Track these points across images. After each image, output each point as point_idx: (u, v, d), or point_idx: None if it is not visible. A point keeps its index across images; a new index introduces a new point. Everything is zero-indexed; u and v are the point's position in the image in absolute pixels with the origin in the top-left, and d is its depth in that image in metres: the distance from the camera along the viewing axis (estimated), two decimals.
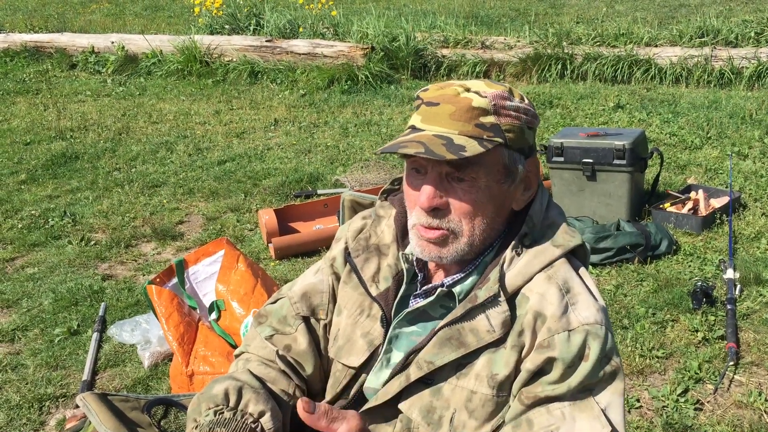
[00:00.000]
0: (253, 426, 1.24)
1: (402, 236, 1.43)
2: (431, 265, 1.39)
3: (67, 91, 8.08)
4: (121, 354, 3.10)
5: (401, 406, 1.28)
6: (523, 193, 1.33)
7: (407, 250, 1.40)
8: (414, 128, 1.27)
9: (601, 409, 1.19)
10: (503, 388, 1.23)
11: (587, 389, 1.20)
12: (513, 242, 1.29)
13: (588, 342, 1.20)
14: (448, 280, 1.33)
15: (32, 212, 4.73)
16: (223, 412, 1.24)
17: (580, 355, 1.20)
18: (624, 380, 1.24)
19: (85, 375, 2.94)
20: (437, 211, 1.26)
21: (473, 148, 1.20)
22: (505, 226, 1.34)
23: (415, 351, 1.29)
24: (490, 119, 1.24)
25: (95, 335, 3.20)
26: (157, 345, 3.02)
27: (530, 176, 1.33)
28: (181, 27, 10.35)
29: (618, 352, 1.25)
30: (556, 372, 1.20)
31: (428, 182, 1.25)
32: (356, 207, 1.68)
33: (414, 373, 1.26)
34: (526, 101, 1.30)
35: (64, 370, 3.03)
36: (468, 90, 1.26)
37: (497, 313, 1.23)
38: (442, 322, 1.27)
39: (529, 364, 1.21)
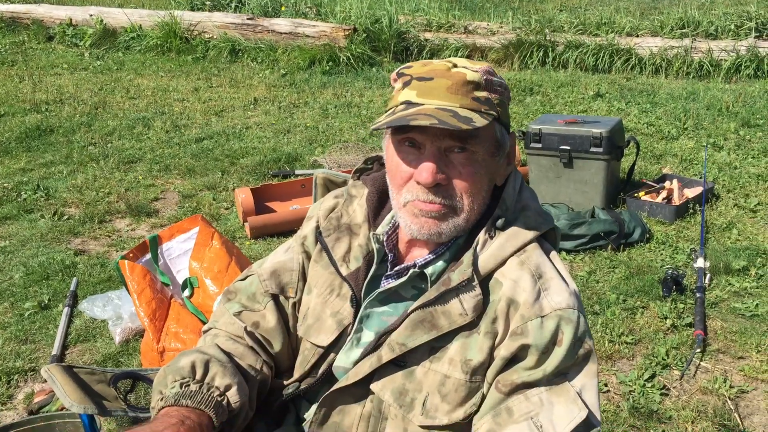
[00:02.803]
0: (219, 399, 1.24)
1: (374, 216, 1.42)
2: (402, 246, 1.39)
3: (43, 63, 7.95)
4: (92, 329, 3.08)
5: (373, 386, 1.28)
6: (506, 168, 1.34)
7: (378, 231, 1.40)
8: (410, 103, 1.24)
9: (577, 392, 1.20)
10: (476, 374, 1.24)
11: (562, 373, 1.21)
12: (486, 225, 1.29)
13: (561, 327, 1.21)
14: (421, 261, 1.33)
15: (4, 185, 4.66)
16: (189, 385, 1.24)
17: (553, 341, 1.20)
18: (597, 362, 1.25)
19: (55, 349, 2.92)
20: (438, 186, 1.25)
21: (479, 120, 1.20)
22: (488, 201, 1.34)
23: (387, 332, 1.29)
24: (484, 93, 1.24)
25: (66, 310, 3.17)
26: (129, 321, 3.00)
27: (511, 150, 1.35)
28: (161, 2, 10.22)
29: (591, 334, 1.26)
30: (531, 359, 1.20)
31: (429, 158, 1.23)
32: (329, 185, 1.67)
33: (386, 354, 1.26)
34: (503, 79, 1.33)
35: (34, 344, 3.01)
36: (456, 66, 1.26)
37: (470, 297, 1.23)
38: (415, 304, 1.27)
39: (504, 351, 1.22)
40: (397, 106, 1.26)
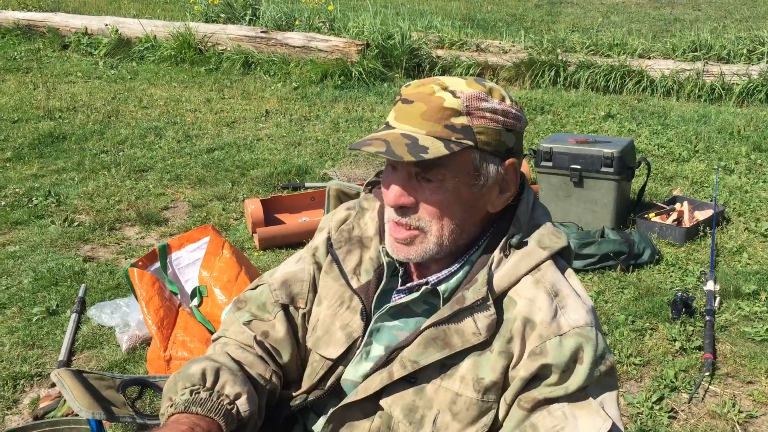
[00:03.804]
0: (228, 408, 1.24)
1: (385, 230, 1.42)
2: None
3: (57, 71, 8.01)
4: (99, 336, 3.08)
5: (382, 402, 1.27)
6: (499, 195, 1.30)
7: None
8: (387, 125, 1.26)
9: (599, 404, 1.20)
10: (489, 393, 1.23)
11: (583, 389, 1.21)
12: (501, 243, 1.28)
13: (581, 345, 1.20)
14: (433, 278, 1.32)
15: (16, 190, 4.69)
16: (199, 392, 1.24)
17: (573, 359, 1.20)
18: (616, 376, 1.24)
19: (62, 355, 2.92)
20: (405, 209, 1.26)
21: (436, 149, 1.18)
22: (481, 228, 1.33)
23: (399, 348, 1.28)
24: (462, 120, 1.22)
25: (74, 316, 3.17)
26: (136, 329, 3.00)
27: (507, 179, 1.30)
28: (176, 13, 10.31)
29: (610, 349, 1.25)
30: (552, 378, 1.20)
31: (397, 180, 1.25)
32: (342, 197, 1.67)
33: (398, 371, 1.26)
34: (508, 102, 1.27)
35: (41, 349, 3.01)
36: (445, 89, 1.23)
37: (484, 316, 1.22)
38: (428, 322, 1.26)
39: (523, 372, 1.21)
40: (380, 125, 1.28)
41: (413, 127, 1.22)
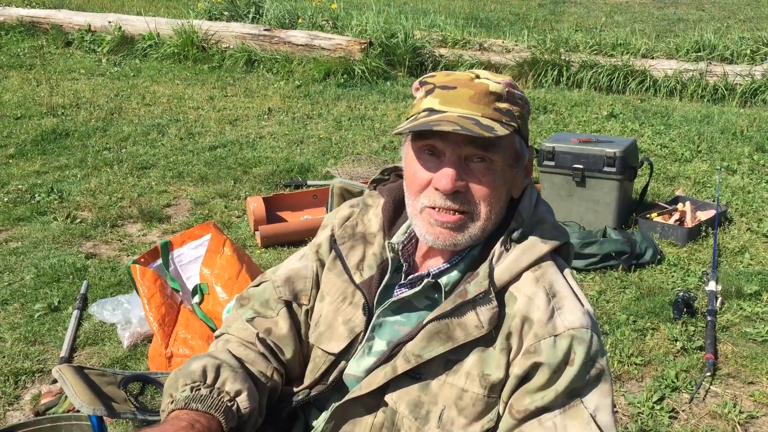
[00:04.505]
0: (228, 404, 1.24)
1: (389, 226, 1.43)
2: (418, 256, 1.39)
3: (61, 68, 8.02)
4: (100, 332, 3.08)
5: (388, 398, 1.28)
6: (523, 180, 1.35)
7: (393, 240, 1.40)
8: (432, 110, 1.25)
9: (590, 414, 1.20)
10: (495, 390, 1.24)
11: (575, 394, 1.21)
12: (502, 237, 1.29)
13: (573, 347, 1.21)
14: (434, 270, 1.33)
15: (19, 187, 4.69)
16: (199, 389, 1.24)
17: (565, 360, 1.20)
18: (611, 381, 1.24)
19: (63, 351, 2.92)
20: (457, 193, 1.26)
21: (500, 129, 1.22)
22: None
23: (402, 342, 1.29)
24: (505, 105, 1.26)
25: (75, 312, 3.18)
26: (138, 326, 3.00)
27: (528, 164, 1.36)
28: (180, 11, 10.31)
29: (605, 353, 1.25)
30: (542, 377, 1.20)
31: (448, 165, 1.25)
32: (345, 195, 1.67)
33: (401, 365, 1.26)
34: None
35: (42, 345, 3.02)
36: (478, 77, 1.28)
37: (486, 310, 1.23)
38: (430, 316, 1.27)
39: (517, 369, 1.22)
40: (419, 113, 1.27)
41: (465, 110, 1.24)
